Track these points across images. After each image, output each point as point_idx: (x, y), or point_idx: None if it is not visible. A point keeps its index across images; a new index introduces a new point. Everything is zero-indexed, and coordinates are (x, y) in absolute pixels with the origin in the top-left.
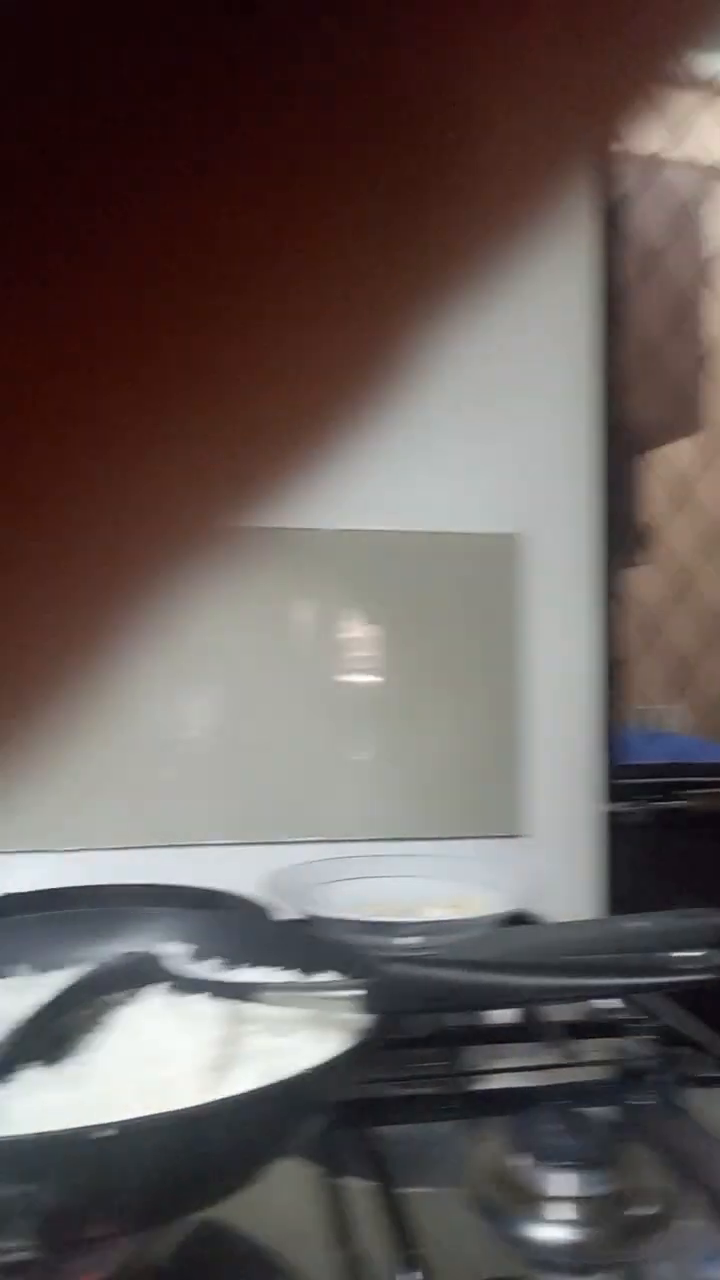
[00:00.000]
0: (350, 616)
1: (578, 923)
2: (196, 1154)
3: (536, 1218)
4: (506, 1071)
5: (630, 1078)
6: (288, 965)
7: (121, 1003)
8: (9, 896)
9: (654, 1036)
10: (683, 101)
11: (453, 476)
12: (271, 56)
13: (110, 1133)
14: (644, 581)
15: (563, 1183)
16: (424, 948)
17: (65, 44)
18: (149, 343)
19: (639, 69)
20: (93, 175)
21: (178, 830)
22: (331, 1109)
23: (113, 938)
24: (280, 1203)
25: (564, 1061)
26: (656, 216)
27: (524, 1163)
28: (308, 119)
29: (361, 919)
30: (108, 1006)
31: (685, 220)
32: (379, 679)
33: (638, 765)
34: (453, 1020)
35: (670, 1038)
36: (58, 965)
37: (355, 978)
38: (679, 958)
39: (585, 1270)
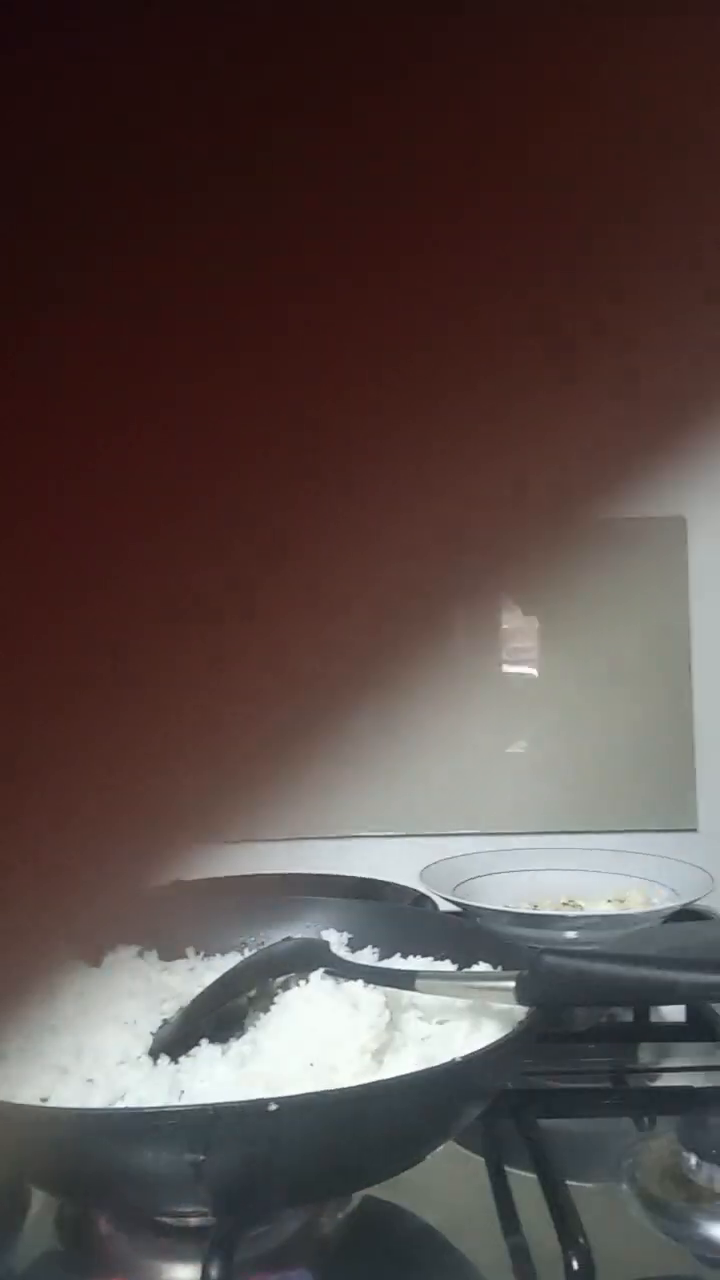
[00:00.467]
0: (509, 606)
1: None
2: (356, 1133)
3: (705, 1215)
4: (673, 1070)
5: None
6: (442, 955)
7: (286, 986)
8: (178, 884)
9: None
10: None
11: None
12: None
13: (274, 1108)
14: None
15: None
16: (584, 942)
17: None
18: None
19: None
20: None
21: (338, 822)
22: (489, 1096)
23: (274, 925)
24: (445, 1188)
25: None
26: None
27: (691, 1160)
28: None
29: (520, 911)
30: (274, 989)
31: None
32: (540, 670)
33: None
34: (618, 1016)
35: None
36: (222, 950)
37: (510, 969)
38: None
39: None
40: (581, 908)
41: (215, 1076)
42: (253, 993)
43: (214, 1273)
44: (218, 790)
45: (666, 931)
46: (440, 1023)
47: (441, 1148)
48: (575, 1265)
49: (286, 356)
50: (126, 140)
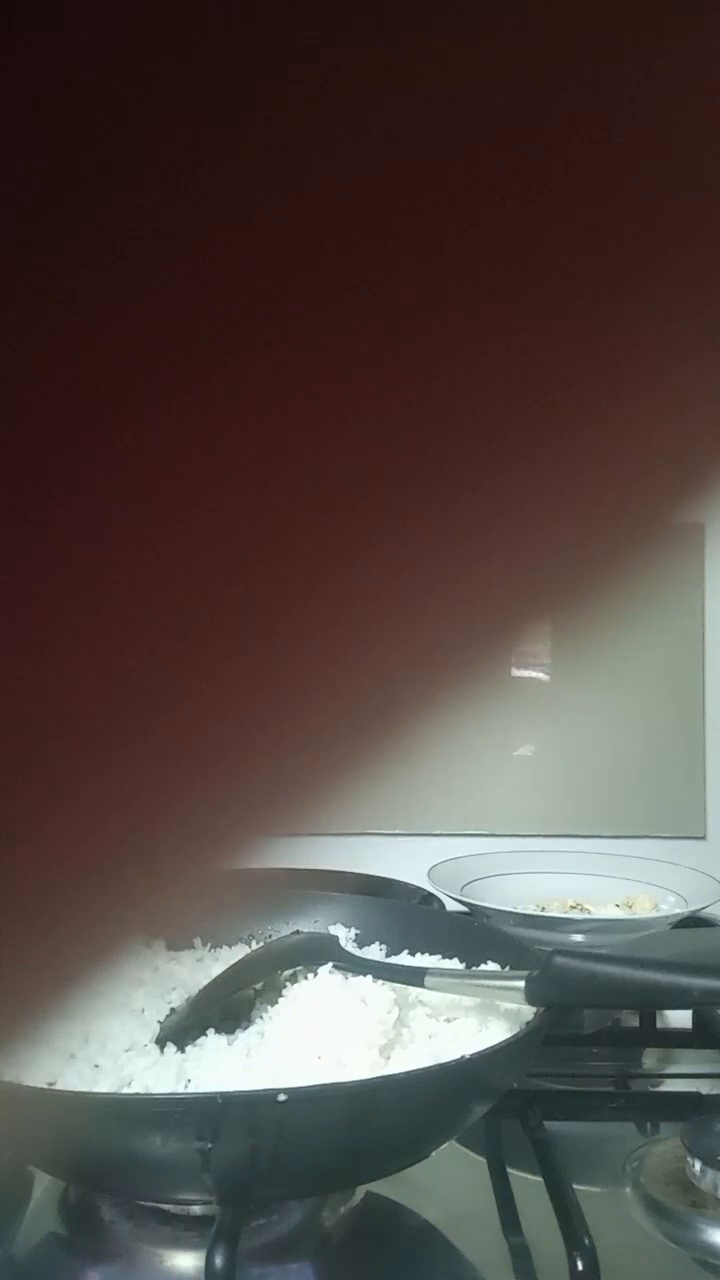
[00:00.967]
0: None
1: None
2: (363, 1126)
3: (708, 1221)
4: (679, 1076)
5: None
6: (450, 953)
7: (295, 979)
8: None
9: None
10: None
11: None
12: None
13: (284, 1098)
14: None
15: None
16: (592, 945)
17: None
18: None
19: None
20: None
21: (347, 820)
22: (495, 1095)
23: (282, 918)
24: (448, 1186)
25: None
26: None
27: (696, 1166)
28: None
29: (529, 913)
30: (282, 982)
31: None
32: (551, 673)
33: None
34: (624, 1021)
35: None
36: (229, 941)
37: (518, 969)
38: None
39: None
40: (589, 912)
41: (221, 1066)
42: (260, 985)
43: (218, 1261)
44: (273, 779)
45: (675, 937)
46: (448, 1020)
47: (445, 1147)
48: (580, 1266)
49: (300, 360)
50: (123, 130)
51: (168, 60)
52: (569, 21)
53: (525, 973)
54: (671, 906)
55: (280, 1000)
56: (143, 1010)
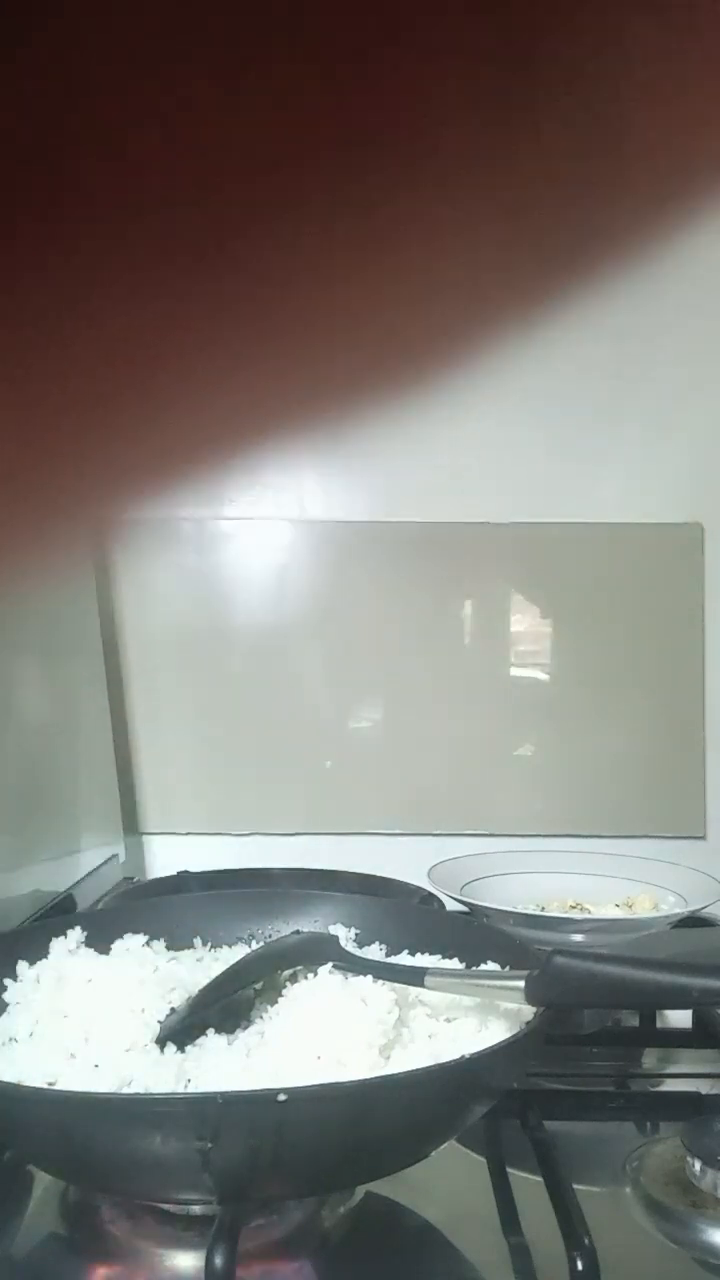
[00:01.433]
0: (523, 610)
1: None
2: (363, 1126)
3: (708, 1221)
4: (678, 1076)
5: None
6: (450, 953)
7: (295, 979)
8: (185, 874)
9: None
10: None
11: (631, 464)
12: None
13: (284, 1098)
14: None
15: None
16: (592, 945)
17: None
18: None
19: None
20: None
21: (346, 819)
22: (495, 1095)
23: (281, 918)
24: (447, 1186)
25: None
26: None
27: (695, 1166)
28: None
29: (529, 913)
30: (281, 982)
31: None
32: (552, 674)
33: None
34: (625, 1021)
35: None
36: (229, 941)
37: (518, 968)
38: None
39: None
40: (589, 911)
41: (221, 1066)
42: (260, 985)
43: (218, 1261)
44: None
45: (674, 937)
46: (448, 1020)
47: (445, 1147)
48: (580, 1266)
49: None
50: None
51: None
52: None
53: (525, 973)
54: (671, 906)
55: (280, 1000)
56: (143, 1010)
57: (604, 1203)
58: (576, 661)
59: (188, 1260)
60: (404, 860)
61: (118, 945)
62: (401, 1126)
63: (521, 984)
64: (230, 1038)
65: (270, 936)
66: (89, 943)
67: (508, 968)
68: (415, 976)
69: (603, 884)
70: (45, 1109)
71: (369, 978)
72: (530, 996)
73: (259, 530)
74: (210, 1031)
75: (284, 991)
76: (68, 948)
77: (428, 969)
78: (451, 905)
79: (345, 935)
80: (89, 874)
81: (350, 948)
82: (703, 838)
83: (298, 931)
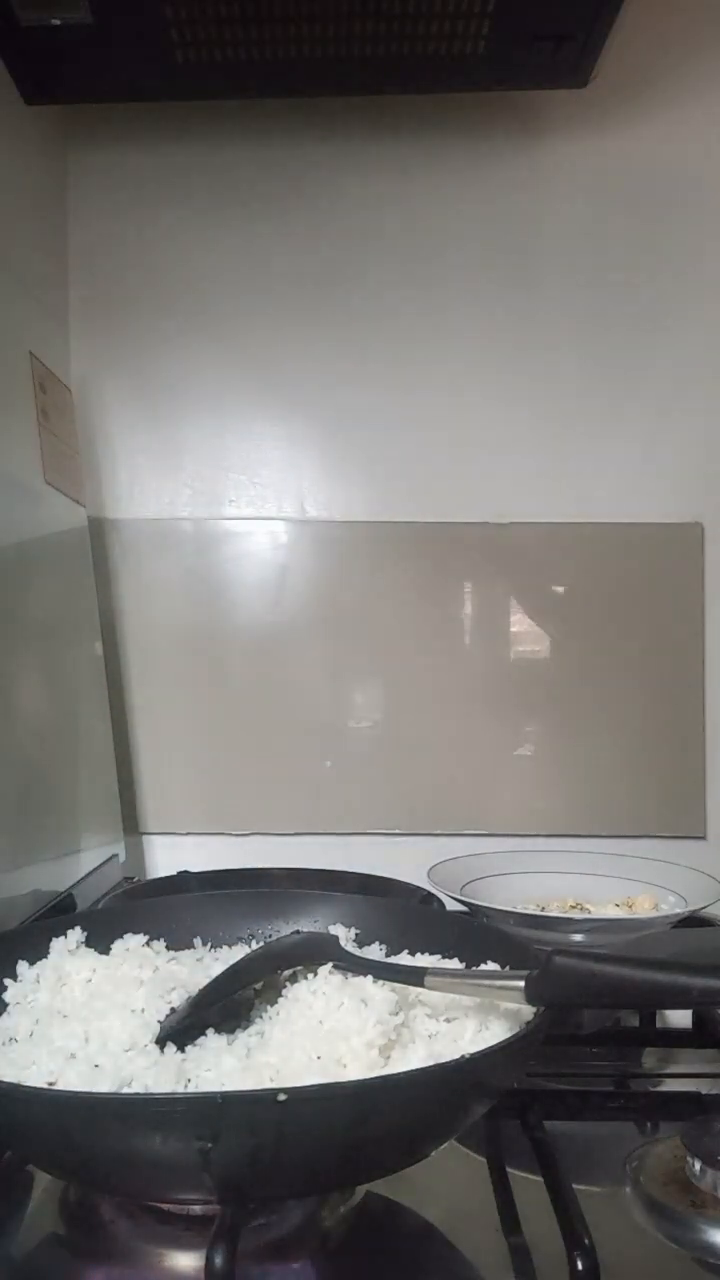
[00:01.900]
0: (523, 610)
1: None
2: (363, 1126)
3: (708, 1221)
4: (678, 1076)
5: None
6: (449, 953)
7: (295, 979)
8: (185, 874)
9: None
10: None
11: (631, 464)
12: None
13: (284, 1098)
14: None
15: None
16: (592, 945)
17: None
18: None
19: None
20: None
21: (345, 819)
22: (496, 1095)
23: (281, 918)
24: (448, 1186)
25: None
26: None
27: (696, 1165)
28: None
29: (529, 913)
30: (282, 982)
31: None
32: (552, 674)
33: None
34: (625, 1021)
35: None
36: (228, 941)
37: (518, 968)
38: None
39: None
40: (589, 911)
41: (221, 1066)
42: (260, 985)
43: (218, 1261)
44: None
45: (675, 937)
46: (448, 1020)
47: (445, 1147)
48: (580, 1266)
49: None
50: None
51: None
52: None
53: (525, 973)
54: (671, 906)
55: (280, 1000)
56: (143, 1010)
57: (604, 1203)
58: (576, 662)
59: (188, 1260)
60: (404, 860)
61: (118, 945)
62: (402, 1126)
63: (521, 984)
64: (230, 1038)
65: (270, 936)
66: (89, 943)
67: (508, 968)
68: (415, 976)
69: (603, 884)
70: (45, 1109)
71: (369, 978)
72: (530, 996)
73: (259, 530)
74: (210, 1031)
75: (284, 991)
76: (68, 948)
77: (428, 969)
78: (451, 905)
79: (345, 935)
80: (89, 874)
81: (350, 948)
82: (703, 838)
83: (298, 931)
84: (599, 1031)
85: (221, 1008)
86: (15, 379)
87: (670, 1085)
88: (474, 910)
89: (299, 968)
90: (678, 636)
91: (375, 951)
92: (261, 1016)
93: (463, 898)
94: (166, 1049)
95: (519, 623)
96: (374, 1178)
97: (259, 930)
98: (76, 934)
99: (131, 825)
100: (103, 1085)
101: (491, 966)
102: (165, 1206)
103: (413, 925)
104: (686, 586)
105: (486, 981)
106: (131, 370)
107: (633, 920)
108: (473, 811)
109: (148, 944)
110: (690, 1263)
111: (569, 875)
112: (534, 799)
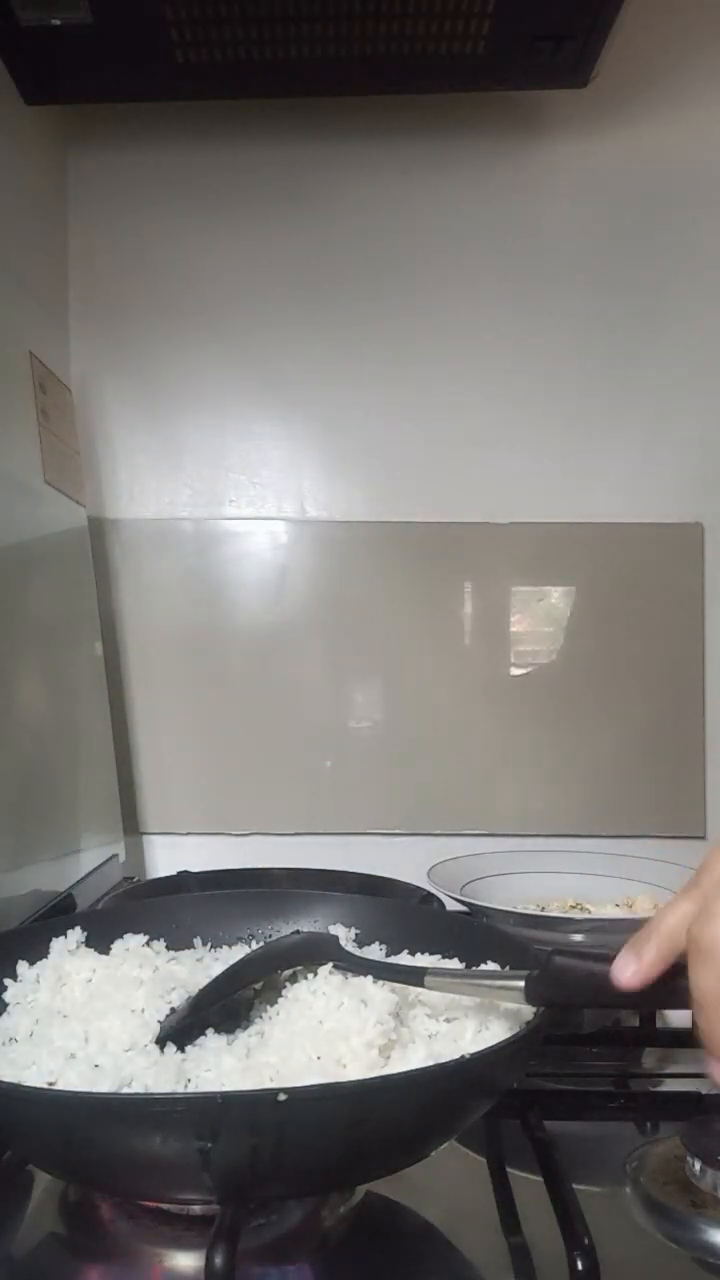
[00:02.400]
0: (523, 611)
1: None
2: (363, 1126)
3: (708, 1220)
4: (678, 1076)
5: None
6: (450, 953)
7: (295, 979)
8: (185, 874)
9: None
10: None
11: (631, 464)
12: None
13: (284, 1098)
14: None
15: None
16: (592, 945)
17: None
18: None
19: None
20: None
21: (345, 819)
22: (495, 1095)
23: (281, 918)
24: (447, 1186)
25: None
26: None
27: (695, 1165)
28: None
29: (529, 913)
30: (281, 982)
31: None
32: (552, 674)
33: None
34: (625, 1021)
35: None
36: (228, 941)
37: (518, 968)
38: None
39: None
40: (589, 911)
41: (221, 1066)
42: (260, 985)
43: (218, 1261)
44: None
45: None
46: (448, 1020)
47: (445, 1147)
48: (580, 1266)
49: None
50: None
51: None
52: None
53: (525, 973)
54: None
55: (280, 1000)
56: (143, 1010)
57: (604, 1203)
58: (576, 662)
59: (188, 1260)
60: (404, 860)
61: (118, 945)
62: (402, 1126)
63: (521, 984)
64: (230, 1038)
65: (270, 936)
66: (89, 943)
67: (508, 968)
68: (415, 976)
69: (603, 884)
70: (45, 1109)
71: (369, 978)
72: (530, 996)
73: (259, 530)
74: (210, 1031)
75: (284, 991)
76: (68, 948)
77: (428, 969)
78: (451, 905)
79: (345, 935)
80: (89, 874)
81: (350, 948)
82: (703, 838)
83: (298, 931)
84: (599, 1031)
85: (221, 1008)
86: (15, 379)
87: (670, 1085)
88: (474, 910)
89: (299, 968)
90: (678, 636)
91: (375, 951)
92: (261, 1016)
93: (463, 898)
94: (166, 1049)
95: (519, 623)
96: (374, 1178)
97: (259, 930)
98: (76, 934)
99: (131, 825)
100: (103, 1085)
101: (491, 966)
102: (165, 1206)
103: (413, 925)
104: (686, 586)
105: (486, 981)
106: (131, 370)
107: (633, 920)
108: (473, 811)
109: (148, 944)
110: (690, 1263)
111: (569, 875)
112: (534, 799)
